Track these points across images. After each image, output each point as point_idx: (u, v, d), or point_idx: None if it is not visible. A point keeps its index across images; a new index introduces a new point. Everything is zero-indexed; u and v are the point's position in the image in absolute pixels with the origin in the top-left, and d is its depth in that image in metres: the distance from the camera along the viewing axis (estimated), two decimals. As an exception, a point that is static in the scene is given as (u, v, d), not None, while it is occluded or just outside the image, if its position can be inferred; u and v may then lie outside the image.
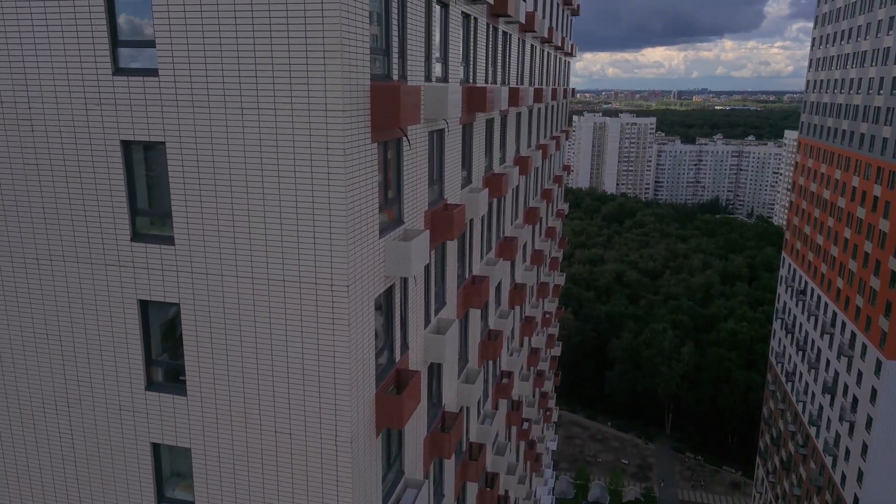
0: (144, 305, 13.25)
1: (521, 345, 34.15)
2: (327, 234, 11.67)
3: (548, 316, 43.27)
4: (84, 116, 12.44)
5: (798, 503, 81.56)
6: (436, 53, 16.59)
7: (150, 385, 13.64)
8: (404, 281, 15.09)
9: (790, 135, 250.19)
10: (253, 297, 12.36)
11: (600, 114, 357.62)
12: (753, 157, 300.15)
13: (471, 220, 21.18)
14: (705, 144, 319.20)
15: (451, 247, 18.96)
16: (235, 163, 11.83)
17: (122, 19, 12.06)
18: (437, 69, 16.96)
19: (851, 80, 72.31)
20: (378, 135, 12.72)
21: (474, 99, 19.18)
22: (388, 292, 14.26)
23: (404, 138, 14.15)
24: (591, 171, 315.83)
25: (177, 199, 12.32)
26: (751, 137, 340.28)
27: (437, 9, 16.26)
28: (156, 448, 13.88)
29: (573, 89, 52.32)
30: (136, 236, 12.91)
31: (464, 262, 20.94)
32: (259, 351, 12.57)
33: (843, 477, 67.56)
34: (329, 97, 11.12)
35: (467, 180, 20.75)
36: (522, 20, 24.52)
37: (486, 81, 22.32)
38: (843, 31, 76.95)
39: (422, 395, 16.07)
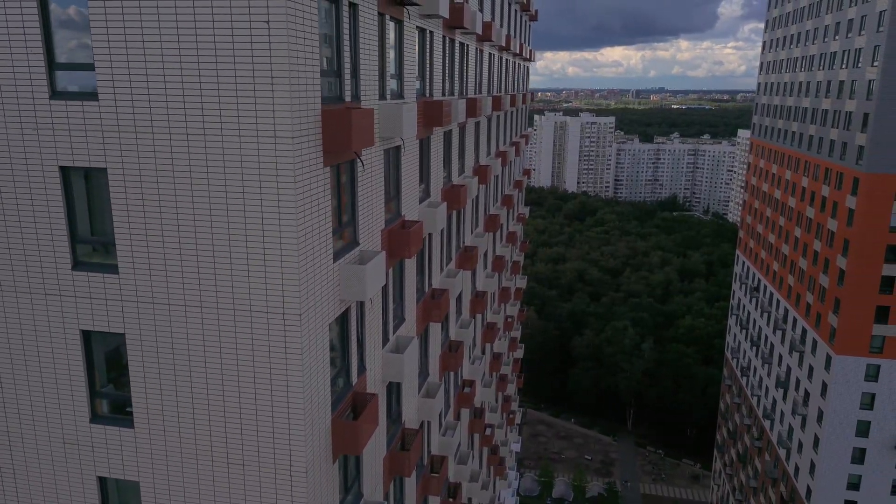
0: (87, 336, 12.75)
1: (483, 352, 34.22)
2: (278, 262, 11.41)
3: (510, 320, 43.47)
4: (20, 141, 11.89)
5: (754, 495, 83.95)
6: (390, 70, 16.41)
7: (96, 418, 13.15)
8: (360, 303, 14.89)
9: (743, 134, 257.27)
10: (202, 327, 12.00)
11: (561, 113, 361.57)
12: (709, 156, 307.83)
13: (429, 235, 21.07)
14: (663, 143, 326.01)
15: (410, 263, 18.82)
16: (182, 190, 11.46)
17: (58, 41, 11.57)
18: (393, 85, 16.79)
19: (800, 83, 74.59)
20: (330, 158, 12.50)
21: (431, 114, 19.06)
22: (344, 316, 14.05)
23: (358, 161, 13.95)
24: (552, 169, 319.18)
25: (120, 227, 11.88)
26: (706, 136, 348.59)
27: (390, 25, 16.09)
28: (102, 482, 13.39)
29: (533, 92, 52.65)
30: (78, 265, 12.41)
31: (423, 276, 20.82)
32: (209, 381, 12.23)
33: (797, 469, 69.76)
34: (278, 124, 10.86)
35: (425, 194, 20.62)
36: (479, 31, 24.51)
37: (444, 93, 22.23)
38: (792, 36, 79.30)
39: (380, 416, 15.90)
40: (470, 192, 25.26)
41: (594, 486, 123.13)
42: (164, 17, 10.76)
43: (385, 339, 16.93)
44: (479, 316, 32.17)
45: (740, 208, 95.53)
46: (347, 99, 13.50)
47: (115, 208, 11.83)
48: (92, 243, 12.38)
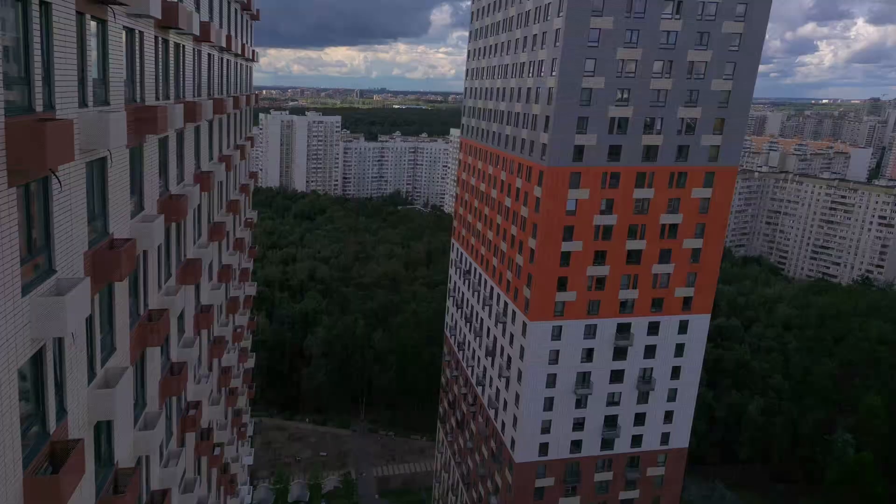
0: None
1: (211, 368, 32.42)
2: (-54, 306, 9.52)
3: (239, 330, 41.78)
4: None
5: (471, 455, 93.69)
6: (93, 75, 14.65)
7: None
8: (59, 339, 13.10)
9: (455, 132, 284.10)
10: None
11: (287, 112, 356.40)
12: (427, 153, 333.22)
13: (144, 252, 19.31)
14: (386, 142, 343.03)
15: (121, 286, 17.05)
16: None
17: None
18: (96, 91, 15.01)
19: (498, 88, 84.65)
20: (18, 178, 10.80)
21: (144, 120, 17.49)
22: (38, 356, 12.24)
23: (54, 179, 12.25)
24: (280, 169, 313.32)
25: None
26: (424, 134, 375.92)
27: (91, 25, 14.36)
28: None
29: (258, 91, 51.15)
30: None
31: (137, 297, 19.00)
32: None
33: (503, 425, 79.90)
34: (-59, 142, 9.06)
35: (139, 208, 18.84)
36: (197, 32, 23.11)
37: (158, 98, 20.50)
38: (490, 46, 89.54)
39: (87, 462, 14.21)
40: (191, 201, 23.74)
41: (329, 480, 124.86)
42: None
43: (92, 375, 15.13)
44: (205, 331, 30.39)
45: (454, 201, 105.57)
46: (39, 109, 11.75)
47: None
48: None
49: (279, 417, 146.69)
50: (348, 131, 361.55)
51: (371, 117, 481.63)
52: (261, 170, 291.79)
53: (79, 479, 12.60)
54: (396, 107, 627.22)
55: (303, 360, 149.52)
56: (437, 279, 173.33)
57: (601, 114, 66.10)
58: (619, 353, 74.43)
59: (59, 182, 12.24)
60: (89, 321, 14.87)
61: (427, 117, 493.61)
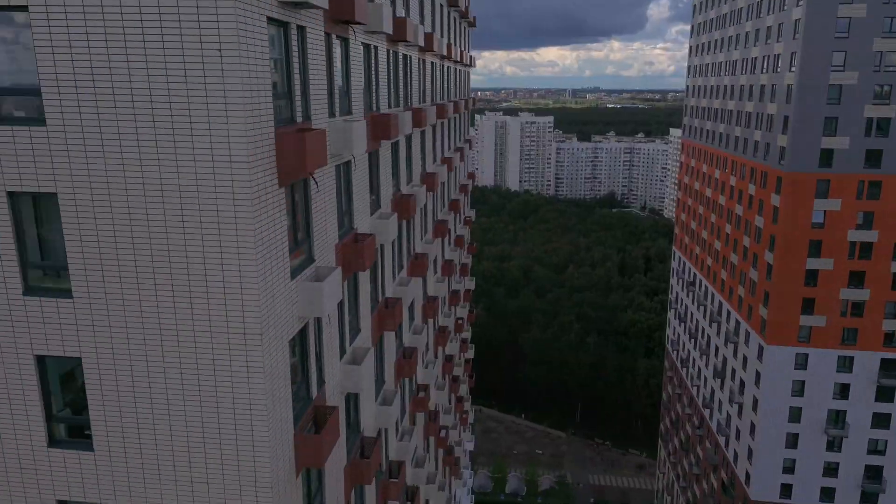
0: (42, 361, 12.63)
1: (436, 355, 34.78)
2: (238, 284, 11.64)
3: (460, 322, 44.19)
4: (-36, 169, 11.70)
5: (697, 481, 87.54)
6: (338, 87, 16.75)
7: (53, 442, 13.02)
8: (318, 319, 15.20)
9: (675, 132, 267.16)
10: (161, 349, 12.10)
11: (501, 113, 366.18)
12: (644, 154, 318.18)
13: (381, 246, 21.47)
14: (600, 142, 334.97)
15: (364, 275, 19.18)
16: (136, 215, 11.55)
17: (1, 66, 11.46)
18: (341, 102, 17.13)
19: (725, 86, 78.25)
20: (285, 179, 12.79)
21: (379, 128, 19.48)
22: (303, 332, 14.33)
23: (312, 181, 14.26)
24: (494, 168, 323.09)
25: (73, 252, 11.85)
26: (640, 135, 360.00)
27: (336, 44, 16.43)
28: (61, 509, 13.27)
29: (474, 98, 53.60)
30: (29, 290, 12.28)
31: (376, 286, 21.20)
32: (170, 402, 12.33)
33: (736, 455, 73.15)
34: (233, 151, 11.10)
35: (376, 206, 21.01)
36: (422, 43, 25.04)
37: (390, 105, 22.66)
38: (716, 41, 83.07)
39: (340, 427, 16.23)
40: (419, 200, 25.76)
41: (545, 479, 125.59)
42: (112, 43, 10.85)
43: (342, 352, 17.26)
44: (431, 321, 32.72)
45: (674, 203, 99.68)
46: (299, 120, 13.81)
47: (68, 234, 11.79)
48: (44, 268, 12.28)
49: (496, 409, 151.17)
50: (560, 131, 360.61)
51: (584, 117, 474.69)
52: (476, 169, 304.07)
53: (335, 440, 14.49)
54: (610, 106, 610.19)
55: (517, 355, 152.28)
56: (657, 287, 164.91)
57: (854, 114, 57.64)
58: (885, 394, 63.41)
59: (316, 183, 14.22)
60: (340, 305, 16.98)
61: (643, 116, 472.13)
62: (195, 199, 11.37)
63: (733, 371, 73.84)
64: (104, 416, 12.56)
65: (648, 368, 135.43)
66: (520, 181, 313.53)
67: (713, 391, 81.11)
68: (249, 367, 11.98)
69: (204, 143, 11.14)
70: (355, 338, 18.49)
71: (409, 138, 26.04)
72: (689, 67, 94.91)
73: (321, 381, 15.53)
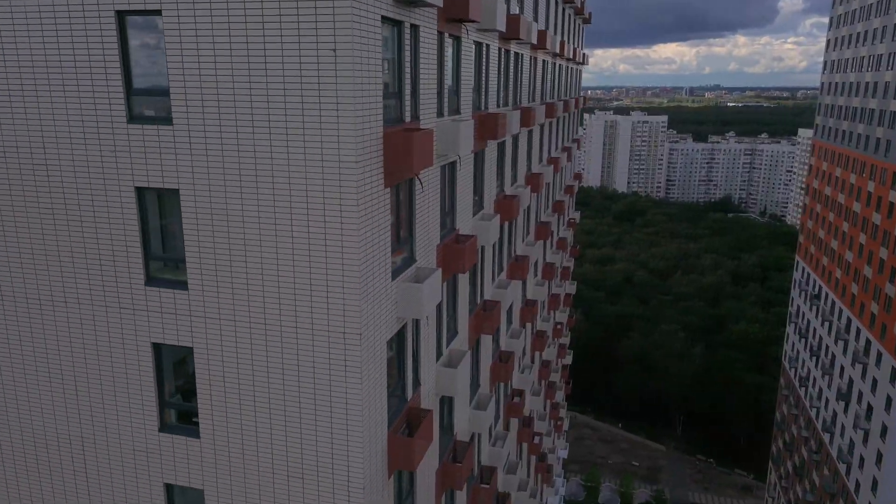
0: (158, 348, 13.31)
1: (533, 360, 34.08)
2: (340, 284, 11.66)
3: (559, 327, 43.15)
4: (99, 162, 12.49)
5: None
6: (448, 86, 16.52)
7: (164, 427, 13.71)
8: (416, 320, 15.07)
9: (805, 133, 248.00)
10: (266, 344, 12.38)
11: (611, 112, 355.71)
12: (766, 155, 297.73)
13: (482, 247, 21.13)
14: (717, 143, 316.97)
15: (463, 276, 18.92)
16: (249, 211, 11.84)
17: (136, 67, 12.09)
18: (450, 101, 16.89)
19: (867, 83, 71.44)
20: (391, 180, 12.69)
21: (486, 127, 19.10)
22: (401, 333, 14.25)
23: (417, 182, 14.11)
24: (601, 169, 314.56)
25: (190, 246, 12.35)
26: (764, 135, 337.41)
27: (448, 42, 16.19)
28: (169, 489, 13.95)
29: (584, 96, 52.06)
30: (150, 280, 12.96)
31: (475, 288, 20.89)
32: (272, 396, 12.60)
33: (857, 485, 66.98)
34: (342, 149, 11.10)
35: (479, 206, 20.68)
36: (534, 41, 24.39)
37: (498, 105, 22.22)
38: (858, 34, 76.03)
39: (434, 431, 16.06)
40: (522, 202, 25.19)
41: (641, 493, 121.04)
42: (235, 45, 11.13)
43: (439, 354, 17.09)
44: (529, 325, 32.06)
45: (799, 209, 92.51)
46: (407, 119, 13.67)
47: (186, 228, 12.30)
48: (163, 260, 12.90)
49: (590, 416, 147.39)
50: (674, 131, 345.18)
51: (700, 116, 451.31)
52: (582, 169, 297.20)
53: (428, 444, 14.32)
54: (731, 104, 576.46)
55: (616, 362, 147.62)
56: (773, 298, 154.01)
57: None
58: None
59: (422, 184, 14.05)
60: (439, 306, 16.80)
61: (768, 116, 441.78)
62: (304, 199, 11.49)
63: (860, 394, 67.50)
64: (211, 406, 13.05)
65: (759, 384, 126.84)
66: (628, 182, 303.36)
67: (835, 414, 74.66)
68: (347, 368, 12.00)
69: (314, 143, 11.21)
70: (452, 339, 18.26)
71: (515, 138, 25.50)
72: (825, 63, 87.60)
73: (417, 383, 15.41)
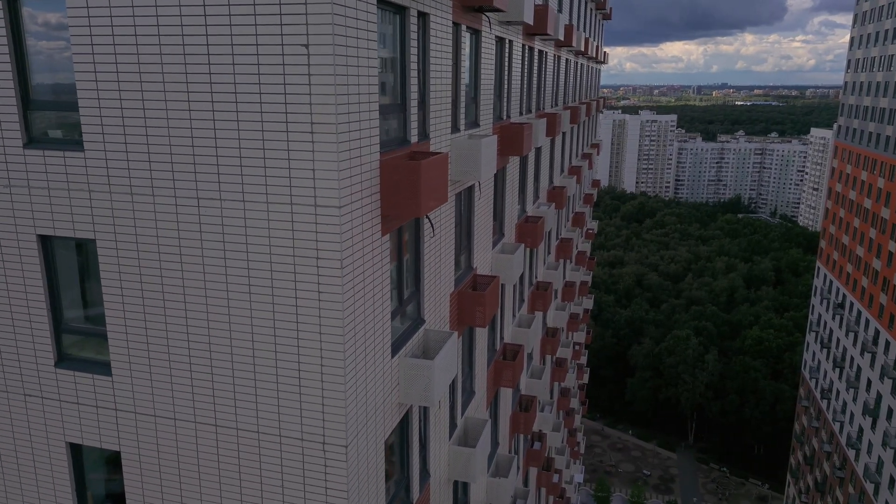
0: (77, 449, 9.92)
1: (552, 394, 30.64)
2: (317, 377, 8.24)
3: (577, 347, 39.66)
4: (-10, 201, 9.10)
5: (835, 530, 77.40)
6: (465, 93, 13.07)
7: (90, 548, 10.34)
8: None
9: (818, 132, 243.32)
10: (217, 452, 8.98)
11: (619, 111, 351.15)
12: (777, 155, 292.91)
13: (503, 285, 17.70)
14: (727, 142, 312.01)
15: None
16: (191, 273, 8.44)
17: (35, 74, 8.70)
18: (467, 111, 13.45)
19: (897, 83, 67.69)
20: (390, 224, 9.27)
21: (510, 141, 15.66)
22: (404, 420, 10.82)
23: (427, 223, 10.68)
24: (609, 169, 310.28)
25: (113, 316, 8.95)
26: (773, 134, 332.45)
27: (465, 37, 12.74)
28: None
29: (603, 98, 48.53)
30: (62, 361, 9.56)
31: (494, 334, 17.46)
32: (228, 519, 9.20)
33: (886, 508, 63.42)
34: (320, 191, 7.68)
35: (499, 232, 17.24)
36: (561, 36, 20.92)
37: (521, 112, 18.76)
38: (886, 31, 72.17)
39: (446, 533, 12.65)
40: (547, 222, 21.74)
41: (653, 503, 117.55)
42: (168, 44, 7.73)
43: (452, 427, 13.65)
44: (549, 356, 28.62)
45: (811, 210, 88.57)
46: (413, 139, 10.22)
47: (107, 292, 8.90)
48: (80, 333, 9.51)
49: (601, 422, 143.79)
50: (683, 130, 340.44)
51: (709, 115, 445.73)
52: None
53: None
54: (739, 103, 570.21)
55: (626, 368, 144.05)
56: (788, 303, 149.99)
57: None
58: None
59: (433, 227, 10.62)
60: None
61: (777, 114, 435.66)
62: (266, 257, 8.09)
63: (889, 410, 63.80)
64: (149, 522, 9.66)
65: (775, 392, 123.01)
66: (636, 182, 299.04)
67: (861, 430, 70.93)
68: (329, 489, 8.58)
69: (280, 181, 7.80)
70: (468, 403, 14.83)
71: (539, 149, 22.02)
72: (848, 62, 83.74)
73: (425, 474, 11.98)
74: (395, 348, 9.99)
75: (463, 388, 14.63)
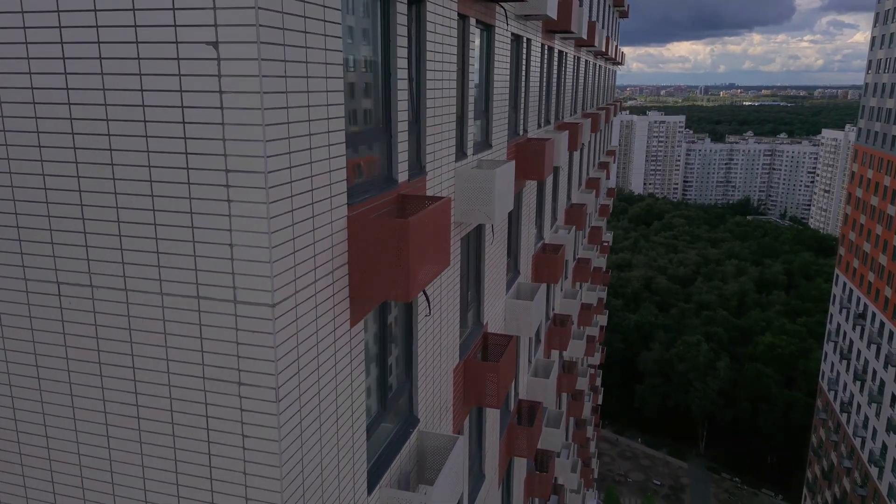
0: None
1: (568, 435, 27.62)
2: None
3: (592, 372, 36.62)
4: None
5: (857, 550, 74.19)
6: (473, 102, 10.03)
7: None
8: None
9: (829, 133, 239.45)
10: None
11: (626, 111, 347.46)
12: (787, 156, 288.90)
13: (518, 338, 14.65)
14: (736, 143, 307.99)
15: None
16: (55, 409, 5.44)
17: None
18: (475, 129, 10.43)
19: (925, 83, 64.41)
20: (366, 308, 6.26)
21: (529, 163, 12.64)
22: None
23: (425, 301, 7.65)
24: (617, 170, 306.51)
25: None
26: (783, 135, 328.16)
27: (475, 33, 9.71)
28: None
29: (619, 101, 45.49)
30: None
31: (508, 403, 14.41)
32: None
33: (916, 530, 60.21)
34: (240, 281, 4.68)
35: (513, 270, 14.21)
36: (584, 35, 17.87)
37: (540, 124, 15.73)
38: (913, 29, 68.98)
39: None
40: (567, 250, 18.70)
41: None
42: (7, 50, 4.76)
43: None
44: (565, 395, 25.61)
45: (823, 213, 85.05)
46: (401, 178, 7.19)
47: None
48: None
49: (609, 429, 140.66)
50: (691, 131, 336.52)
51: (716, 115, 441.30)
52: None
53: None
54: (747, 103, 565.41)
55: (637, 374, 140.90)
56: (800, 307, 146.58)
57: None
58: None
59: (430, 306, 7.60)
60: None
61: (786, 115, 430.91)
62: (162, 388, 5.08)
63: (916, 428, 60.70)
64: None
65: (789, 400, 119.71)
66: (644, 184, 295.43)
67: (885, 447, 67.69)
68: None
69: (179, 262, 4.80)
70: (477, 491, 11.81)
71: (556, 168, 18.99)
72: (869, 62, 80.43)
73: None
74: (374, 477, 6.97)
75: (470, 471, 11.63)
